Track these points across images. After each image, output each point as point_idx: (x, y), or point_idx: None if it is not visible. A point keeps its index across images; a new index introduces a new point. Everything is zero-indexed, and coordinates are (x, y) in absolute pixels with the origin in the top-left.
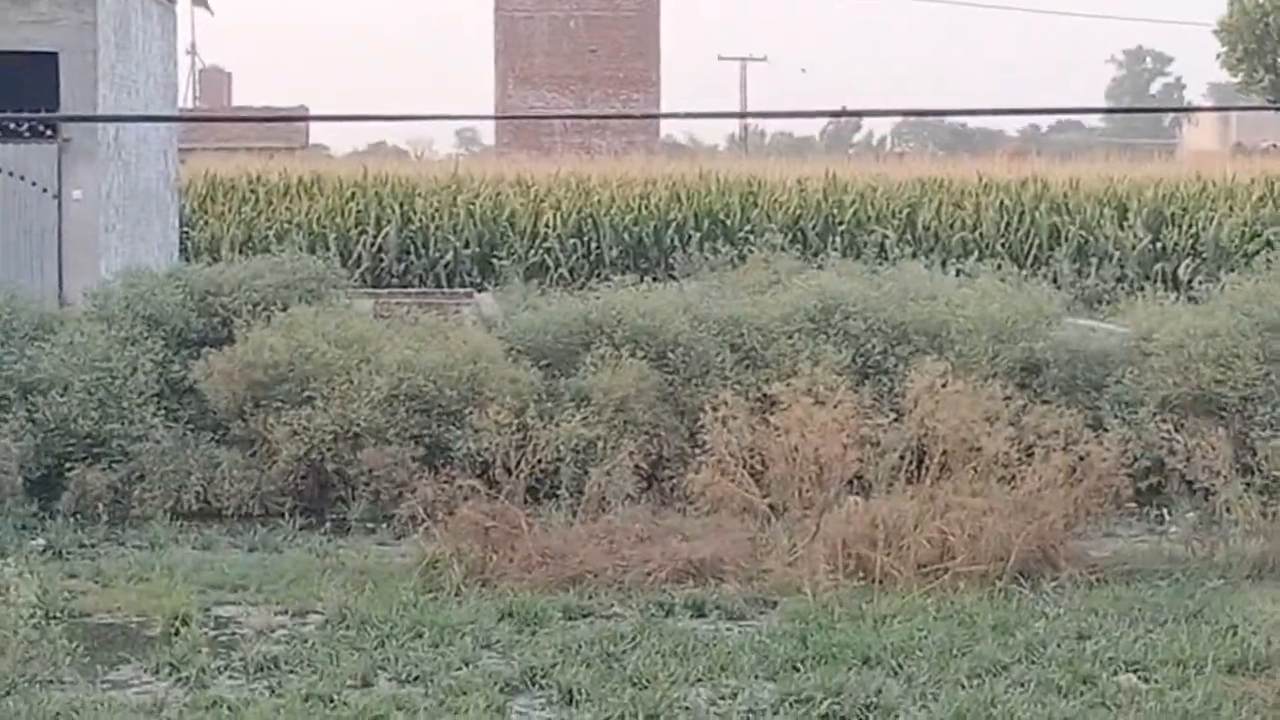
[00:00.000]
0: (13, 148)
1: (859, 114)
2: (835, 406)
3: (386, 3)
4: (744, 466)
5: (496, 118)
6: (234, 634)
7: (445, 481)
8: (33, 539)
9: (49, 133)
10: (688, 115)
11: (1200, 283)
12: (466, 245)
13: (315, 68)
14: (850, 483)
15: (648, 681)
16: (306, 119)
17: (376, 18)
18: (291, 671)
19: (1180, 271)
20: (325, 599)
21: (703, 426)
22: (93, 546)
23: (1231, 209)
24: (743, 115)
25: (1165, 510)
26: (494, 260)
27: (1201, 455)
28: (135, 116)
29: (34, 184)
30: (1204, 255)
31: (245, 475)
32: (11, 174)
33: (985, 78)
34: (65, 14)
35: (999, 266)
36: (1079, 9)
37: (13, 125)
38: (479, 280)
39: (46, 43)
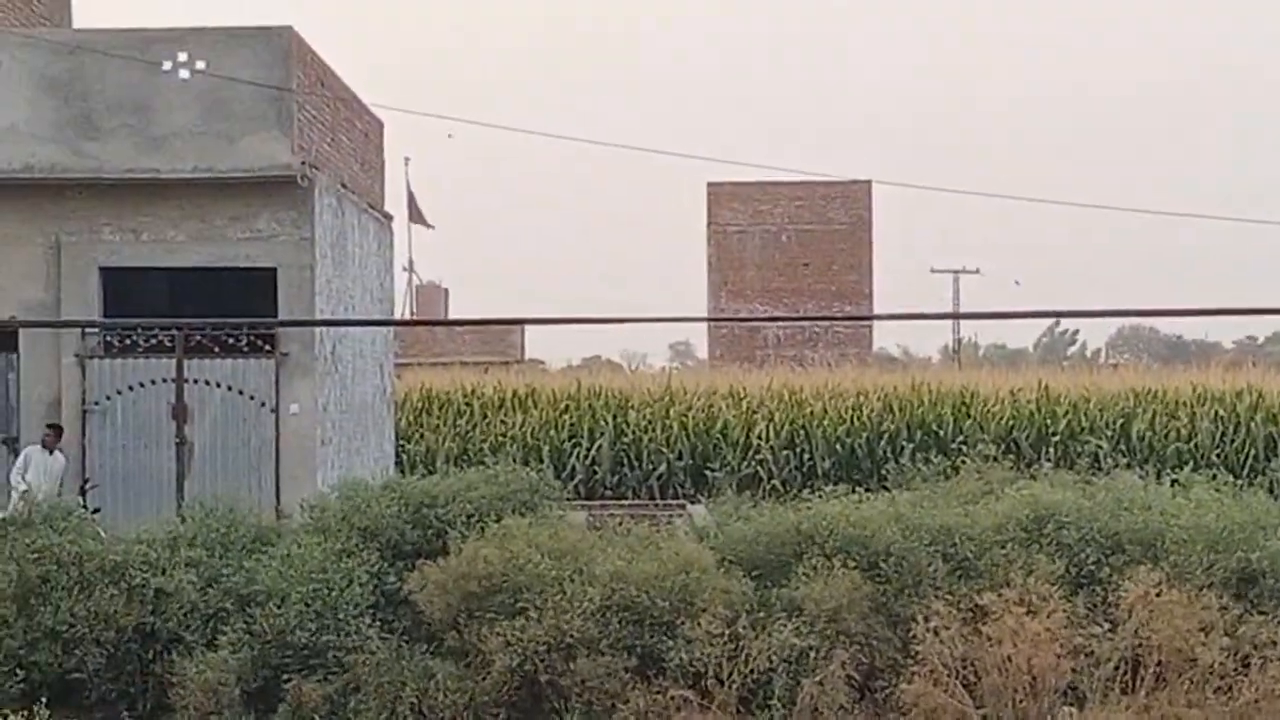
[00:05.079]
0: (231, 363)
1: (1069, 315)
2: (1048, 616)
3: (604, 222)
4: (957, 677)
5: (708, 320)
6: None
7: (658, 692)
8: None
9: (268, 348)
10: (899, 317)
11: None
12: (679, 457)
13: (531, 284)
14: (1064, 693)
15: None
16: (520, 322)
17: (593, 234)
18: None
19: None
20: None
21: (915, 637)
22: None
23: None
24: (954, 316)
25: None
26: (707, 472)
27: None
28: (348, 320)
29: (252, 398)
30: None
31: (460, 686)
32: (230, 389)
33: (1200, 290)
34: (284, 230)
35: (1214, 476)
36: None
37: (232, 341)
38: (692, 492)
39: (265, 259)
